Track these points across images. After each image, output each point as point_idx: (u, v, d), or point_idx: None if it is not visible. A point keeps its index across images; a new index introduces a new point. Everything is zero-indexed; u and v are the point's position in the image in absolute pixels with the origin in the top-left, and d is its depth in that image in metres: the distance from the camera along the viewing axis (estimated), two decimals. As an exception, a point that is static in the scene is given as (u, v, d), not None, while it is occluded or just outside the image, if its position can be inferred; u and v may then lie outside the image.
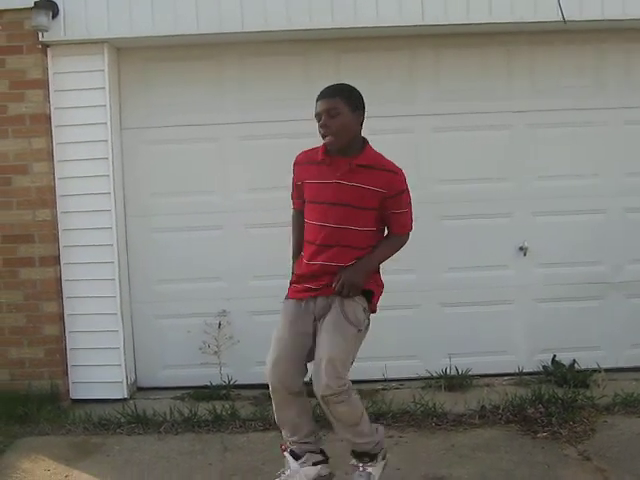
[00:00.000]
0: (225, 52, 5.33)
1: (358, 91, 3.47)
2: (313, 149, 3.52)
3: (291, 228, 3.77)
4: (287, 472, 3.53)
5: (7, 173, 5.08)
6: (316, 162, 3.46)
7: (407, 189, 3.51)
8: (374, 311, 3.55)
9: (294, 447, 3.55)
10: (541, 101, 5.36)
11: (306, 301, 3.48)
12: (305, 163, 3.53)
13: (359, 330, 3.40)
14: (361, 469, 3.51)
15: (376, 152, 3.49)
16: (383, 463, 3.58)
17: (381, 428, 3.66)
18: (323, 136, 3.39)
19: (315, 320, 3.45)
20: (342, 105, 3.35)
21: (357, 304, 3.41)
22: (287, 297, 3.58)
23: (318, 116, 3.40)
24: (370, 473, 3.50)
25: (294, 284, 3.58)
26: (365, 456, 3.51)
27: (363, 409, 3.49)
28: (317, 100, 3.42)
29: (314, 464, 3.51)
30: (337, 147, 3.40)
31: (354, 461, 3.54)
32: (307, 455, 3.52)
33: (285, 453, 3.57)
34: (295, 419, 3.53)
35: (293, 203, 3.74)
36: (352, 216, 3.39)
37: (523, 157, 5.40)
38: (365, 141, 3.49)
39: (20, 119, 5.05)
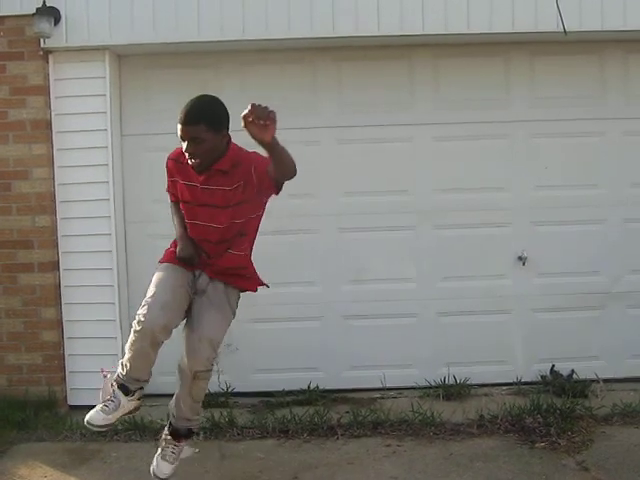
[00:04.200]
0: (226, 59, 5.35)
1: (221, 105, 3.42)
2: (181, 150, 3.44)
3: (180, 218, 3.71)
4: (114, 401, 3.58)
5: (7, 179, 5.09)
6: (185, 163, 3.48)
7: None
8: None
9: (129, 384, 3.59)
10: (540, 111, 5.37)
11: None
12: (177, 162, 3.56)
13: (234, 316, 3.69)
14: (178, 445, 3.71)
15: (236, 150, 3.47)
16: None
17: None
18: (188, 158, 3.39)
19: (194, 286, 3.60)
20: (206, 131, 3.29)
21: (236, 292, 3.69)
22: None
23: (181, 139, 3.35)
24: (184, 448, 3.77)
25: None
26: (185, 436, 3.74)
27: None
28: (180, 123, 3.31)
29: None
30: (203, 168, 3.42)
31: (170, 438, 3.73)
32: (137, 393, 3.65)
33: (114, 384, 3.61)
34: (150, 365, 3.62)
35: (170, 196, 3.76)
36: (216, 215, 3.47)
37: (522, 166, 5.40)
38: (228, 142, 3.46)
39: (21, 125, 5.07)
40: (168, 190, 3.74)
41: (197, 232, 3.60)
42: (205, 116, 3.33)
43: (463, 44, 5.26)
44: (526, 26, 5.00)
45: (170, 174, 3.64)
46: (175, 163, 3.58)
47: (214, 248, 3.59)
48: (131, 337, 3.50)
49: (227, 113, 3.44)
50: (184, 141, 3.35)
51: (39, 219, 5.10)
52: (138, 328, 3.43)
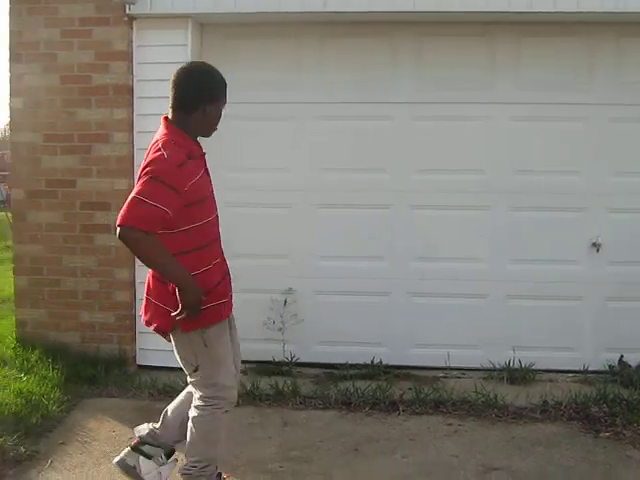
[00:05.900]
0: (305, 31, 5.35)
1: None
2: (182, 144, 3.18)
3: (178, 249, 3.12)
4: None
5: (88, 141, 5.23)
6: (199, 156, 3.32)
7: (151, 172, 2.95)
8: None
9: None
10: (622, 94, 5.21)
11: None
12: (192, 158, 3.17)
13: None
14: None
15: None
16: None
17: None
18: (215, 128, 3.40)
19: None
20: None
21: None
22: (220, 318, 3.30)
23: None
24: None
25: (222, 298, 3.36)
26: None
27: None
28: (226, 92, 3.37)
29: None
30: None
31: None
32: None
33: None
34: None
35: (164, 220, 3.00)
36: None
37: (601, 151, 5.27)
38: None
39: (103, 89, 5.19)
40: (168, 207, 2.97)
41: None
42: None
43: (547, 23, 5.14)
44: (615, 5, 4.84)
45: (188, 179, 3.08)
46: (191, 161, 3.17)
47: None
48: (217, 424, 3.34)
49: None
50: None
51: (117, 182, 5.22)
52: (228, 409, 3.34)
